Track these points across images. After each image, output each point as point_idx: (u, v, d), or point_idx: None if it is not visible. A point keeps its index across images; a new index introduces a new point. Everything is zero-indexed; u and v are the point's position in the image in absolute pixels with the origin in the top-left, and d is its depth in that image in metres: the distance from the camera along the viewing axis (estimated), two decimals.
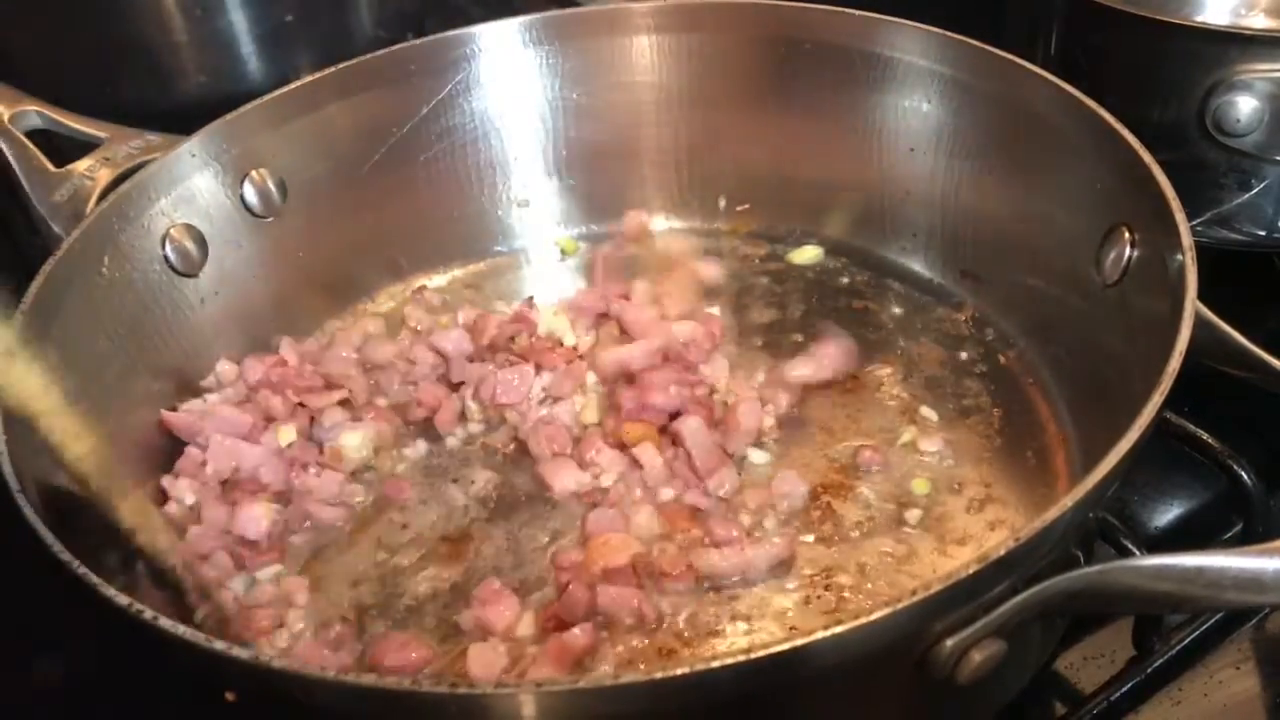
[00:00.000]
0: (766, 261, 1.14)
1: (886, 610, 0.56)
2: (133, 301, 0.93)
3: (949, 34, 1.01)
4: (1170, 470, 0.96)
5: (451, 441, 0.97)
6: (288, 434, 0.94)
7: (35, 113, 1.06)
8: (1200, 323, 0.73)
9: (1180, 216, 0.78)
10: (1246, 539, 0.85)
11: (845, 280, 1.11)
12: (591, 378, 0.99)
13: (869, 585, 0.83)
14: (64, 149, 1.02)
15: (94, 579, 0.63)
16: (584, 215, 1.19)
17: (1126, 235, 0.85)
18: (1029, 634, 0.71)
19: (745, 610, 0.82)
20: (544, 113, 1.15)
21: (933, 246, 1.09)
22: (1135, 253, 0.85)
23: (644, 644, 0.79)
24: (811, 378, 0.99)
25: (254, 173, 1.02)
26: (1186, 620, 0.84)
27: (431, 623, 0.83)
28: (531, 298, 1.06)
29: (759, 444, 0.93)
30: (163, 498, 0.90)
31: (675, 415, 0.94)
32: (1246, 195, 1.04)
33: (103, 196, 0.95)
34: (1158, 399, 0.66)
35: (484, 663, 0.78)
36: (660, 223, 1.19)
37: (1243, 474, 0.83)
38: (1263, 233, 1.07)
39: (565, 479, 0.91)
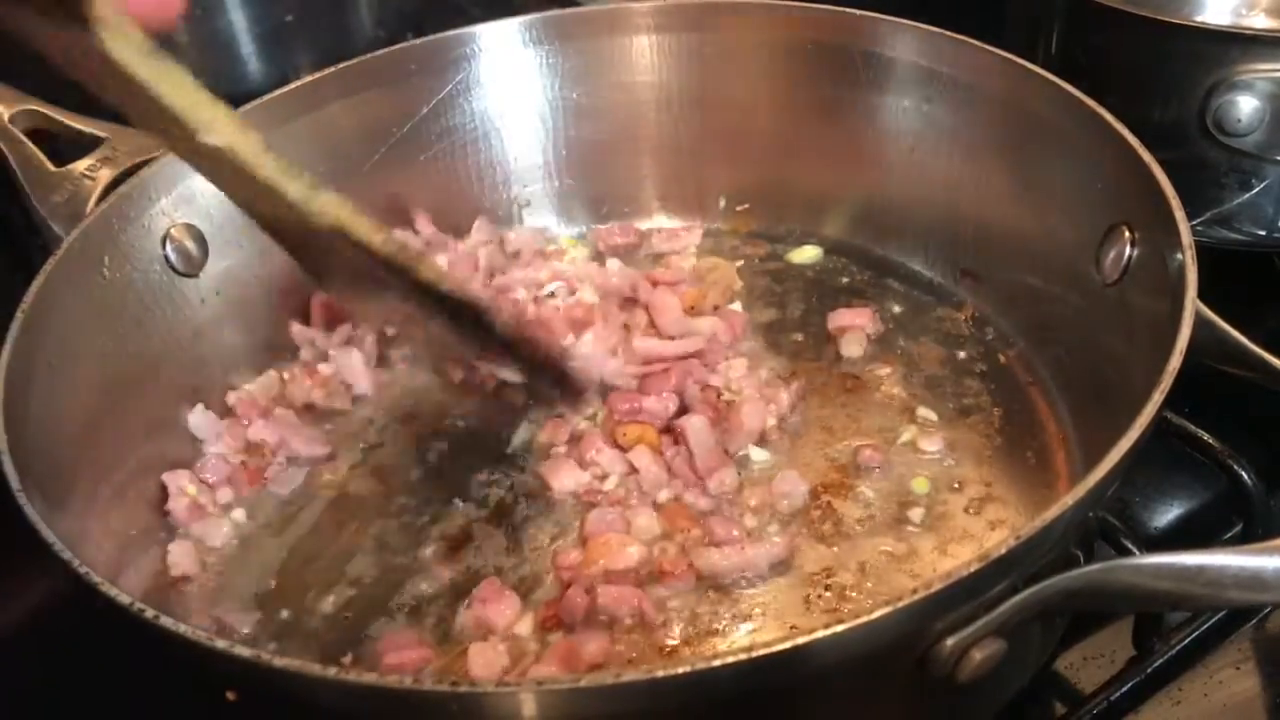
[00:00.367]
0: (766, 261, 1.14)
1: (887, 609, 0.56)
2: (133, 301, 0.93)
3: (949, 34, 1.01)
4: (1170, 470, 0.96)
5: None
6: None
7: (35, 113, 1.06)
8: (1200, 322, 0.73)
9: (1180, 215, 0.78)
10: (1246, 539, 0.85)
11: (845, 280, 1.11)
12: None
13: (869, 584, 0.83)
14: (64, 149, 1.02)
15: (95, 578, 0.63)
16: (584, 215, 1.19)
17: (1126, 234, 0.85)
18: (1029, 633, 0.71)
19: (746, 609, 0.82)
20: (544, 112, 1.15)
21: (933, 246, 1.09)
22: (1135, 252, 0.85)
23: (644, 643, 0.79)
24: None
25: None
26: (1186, 620, 0.84)
27: (431, 622, 0.83)
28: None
29: (760, 443, 0.93)
30: (163, 495, 0.90)
31: (681, 412, 0.94)
32: (1247, 195, 1.04)
33: (103, 196, 0.95)
34: (1158, 398, 0.66)
35: (485, 662, 0.78)
36: (661, 222, 1.19)
37: (1243, 474, 0.83)
38: (1263, 233, 1.07)
39: (565, 479, 0.91)
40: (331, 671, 0.57)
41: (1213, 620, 0.83)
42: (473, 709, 0.57)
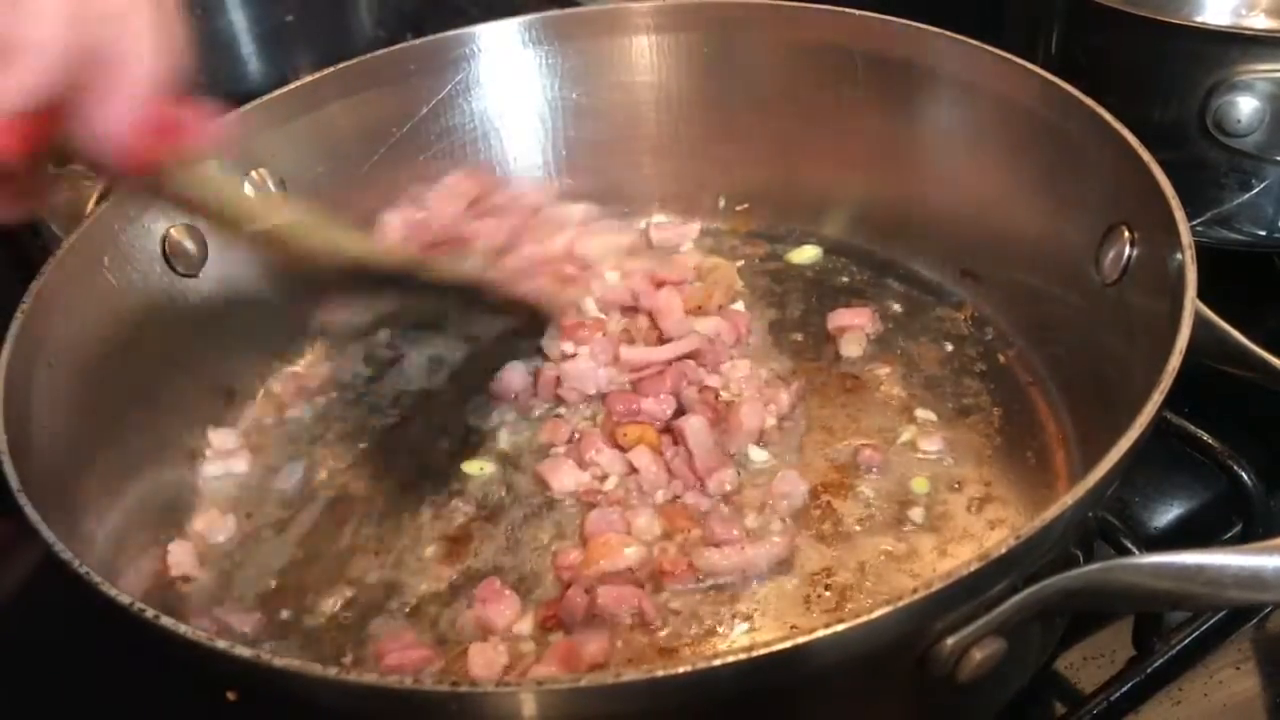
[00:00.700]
0: (766, 261, 1.14)
1: (887, 609, 0.56)
2: (133, 301, 0.93)
3: (949, 33, 1.01)
4: (1170, 470, 0.96)
5: None
6: None
7: None
8: (1200, 322, 0.73)
9: (1180, 215, 0.78)
10: (1246, 539, 0.84)
11: (845, 280, 1.11)
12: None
13: (869, 584, 0.83)
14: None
15: (95, 578, 0.63)
16: None
17: (1126, 234, 0.85)
18: (1029, 633, 0.71)
19: (746, 609, 0.82)
20: (544, 113, 1.15)
21: (932, 246, 1.09)
22: (1135, 252, 0.85)
23: (644, 643, 0.79)
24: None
25: (254, 173, 1.02)
26: (1186, 620, 0.84)
27: (431, 622, 0.83)
28: None
29: (759, 443, 0.93)
30: (163, 494, 0.90)
31: (679, 412, 0.94)
32: (1247, 195, 1.04)
33: (102, 197, 0.95)
34: (1157, 398, 0.66)
35: (485, 662, 0.78)
36: (661, 221, 1.19)
37: (1243, 474, 0.83)
38: (1263, 233, 1.07)
39: (565, 479, 0.91)
40: (331, 671, 0.57)
41: (1213, 620, 0.83)
42: (473, 709, 0.57)
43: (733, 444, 0.92)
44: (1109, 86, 0.92)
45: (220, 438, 0.98)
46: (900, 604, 0.57)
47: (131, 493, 0.87)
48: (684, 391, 0.95)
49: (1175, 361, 0.68)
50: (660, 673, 0.55)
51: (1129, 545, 0.82)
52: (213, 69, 1.34)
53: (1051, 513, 0.61)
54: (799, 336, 1.05)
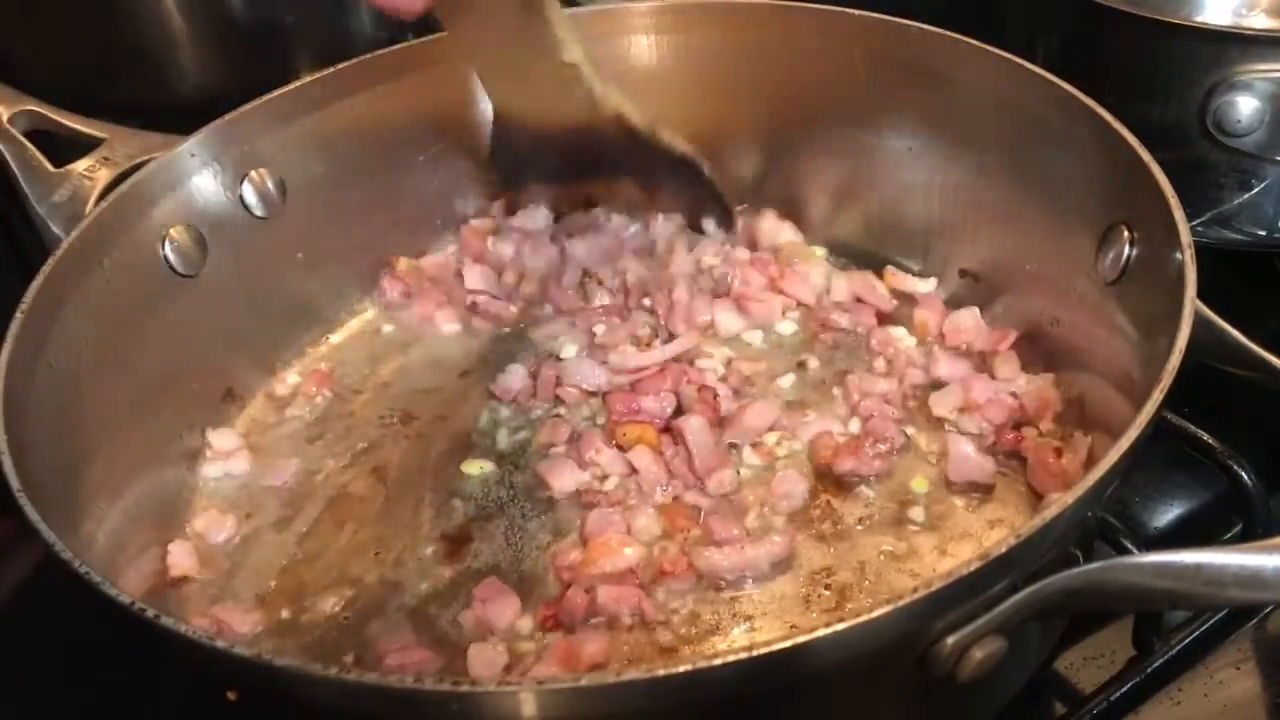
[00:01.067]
0: None
1: (887, 608, 0.56)
2: (133, 302, 0.93)
3: (949, 33, 1.01)
4: (1170, 470, 0.97)
5: None
6: None
7: (34, 113, 1.06)
8: (1200, 321, 0.73)
9: (1180, 215, 0.78)
10: (1246, 539, 0.84)
11: None
12: None
13: (869, 583, 0.83)
14: (64, 149, 1.02)
15: (95, 578, 0.63)
16: None
17: (1126, 234, 0.85)
18: (1029, 632, 0.71)
19: (746, 609, 0.82)
20: None
21: (933, 246, 1.09)
22: (1135, 251, 0.85)
23: (644, 643, 0.79)
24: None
25: (254, 173, 1.02)
26: (1186, 620, 0.84)
27: (431, 622, 0.83)
28: None
29: (759, 443, 0.93)
30: (163, 495, 0.90)
31: (678, 412, 0.94)
32: (1247, 195, 1.04)
33: (102, 196, 0.95)
34: (1157, 397, 0.66)
35: (485, 661, 0.78)
36: (660, 221, 1.18)
37: (1243, 474, 0.83)
38: (1263, 233, 1.07)
39: (565, 479, 0.91)
40: (331, 671, 0.57)
41: (1213, 620, 0.83)
42: (473, 709, 0.57)
43: (736, 437, 0.93)
44: (1109, 86, 0.92)
45: (220, 438, 0.98)
46: (900, 603, 0.57)
47: (131, 493, 0.87)
48: (683, 390, 0.95)
49: (1175, 361, 0.68)
50: (660, 673, 0.55)
51: (1129, 545, 0.82)
52: (213, 69, 1.34)
53: (1051, 512, 0.61)
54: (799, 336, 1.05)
